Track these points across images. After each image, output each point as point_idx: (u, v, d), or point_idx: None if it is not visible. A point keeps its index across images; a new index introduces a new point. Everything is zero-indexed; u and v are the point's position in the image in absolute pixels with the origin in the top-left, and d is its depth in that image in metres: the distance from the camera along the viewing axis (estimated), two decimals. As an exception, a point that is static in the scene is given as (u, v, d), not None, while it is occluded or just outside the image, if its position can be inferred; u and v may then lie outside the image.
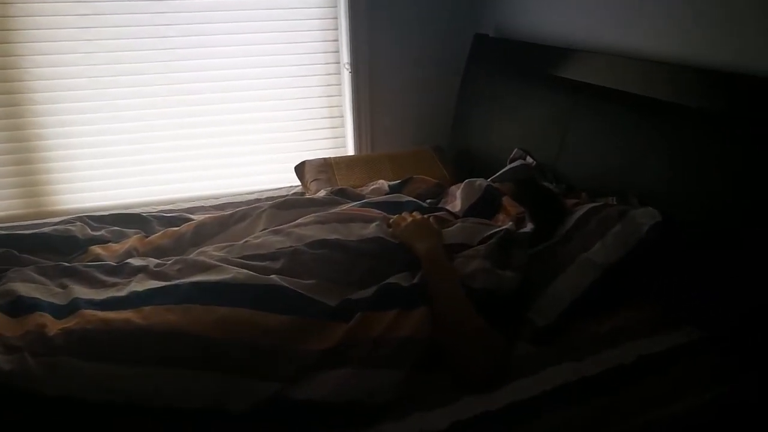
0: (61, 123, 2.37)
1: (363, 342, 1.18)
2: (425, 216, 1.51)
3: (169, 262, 1.37)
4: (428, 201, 1.80)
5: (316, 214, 1.51)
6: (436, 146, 2.51)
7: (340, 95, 2.69)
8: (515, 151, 2.13)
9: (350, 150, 2.75)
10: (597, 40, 1.95)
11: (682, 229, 1.49)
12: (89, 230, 1.73)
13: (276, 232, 1.46)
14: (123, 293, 1.23)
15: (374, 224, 1.45)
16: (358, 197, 1.87)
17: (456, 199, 1.69)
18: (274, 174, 2.67)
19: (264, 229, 1.60)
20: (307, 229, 1.44)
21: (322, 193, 1.86)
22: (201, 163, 2.62)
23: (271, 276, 1.26)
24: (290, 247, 1.38)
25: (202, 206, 2.29)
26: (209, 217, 1.73)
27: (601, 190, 1.78)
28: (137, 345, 1.09)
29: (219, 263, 1.31)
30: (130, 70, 2.38)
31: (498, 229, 1.45)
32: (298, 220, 1.52)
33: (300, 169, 2.39)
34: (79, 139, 2.42)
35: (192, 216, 1.91)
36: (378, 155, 2.43)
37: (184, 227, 1.69)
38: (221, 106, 2.55)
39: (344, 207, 1.61)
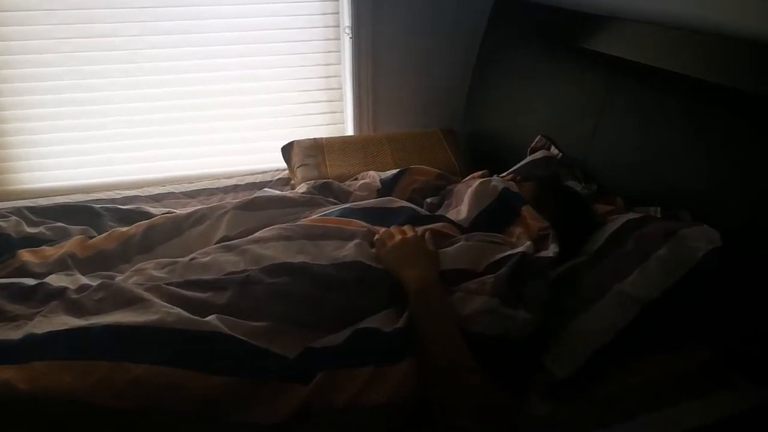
0: (19, 92, 2.08)
1: (324, 412, 0.90)
2: (419, 231, 1.20)
3: (93, 286, 1.08)
4: (428, 200, 1.49)
5: (281, 226, 1.21)
6: (447, 128, 2.18)
7: (339, 64, 2.35)
8: (537, 138, 1.80)
9: (349, 129, 2.43)
10: (643, 6, 1.58)
11: (746, 254, 1.17)
12: (26, 227, 1.46)
13: (229, 249, 1.17)
14: (17, 336, 0.95)
15: (353, 243, 1.14)
16: (344, 194, 1.56)
17: (463, 203, 1.38)
18: (262, 153, 2.37)
19: (221, 239, 1.32)
20: (268, 247, 1.14)
21: (302, 188, 1.56)
22: (178, 140, 2.31)
23: (209, 318, 0.98)
24: (243, 272, 1.09)
25: (172, 192, 2.00)
26: (163, 216, 1.44)
27: (642, 195, 1.45)
28: (16, 420, 0.82)
29: (148, 296, 1.02)
30: (100, 32, 2.06)
31: (511, 252, 1.14)
32: (259, 233, 1.22)
33: (287, 151, 2.08)
34: (39, 110, 2.13)
35: (153, 211, 1.62)
36: (377, 136, 2.11)
37: (133, 228, 1.41)
38: (203, 75, 2.23)
39: (318, 214, 1.30)
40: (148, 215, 1.58)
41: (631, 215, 1.32)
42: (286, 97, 2.34)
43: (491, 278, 1.07)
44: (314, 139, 2.09)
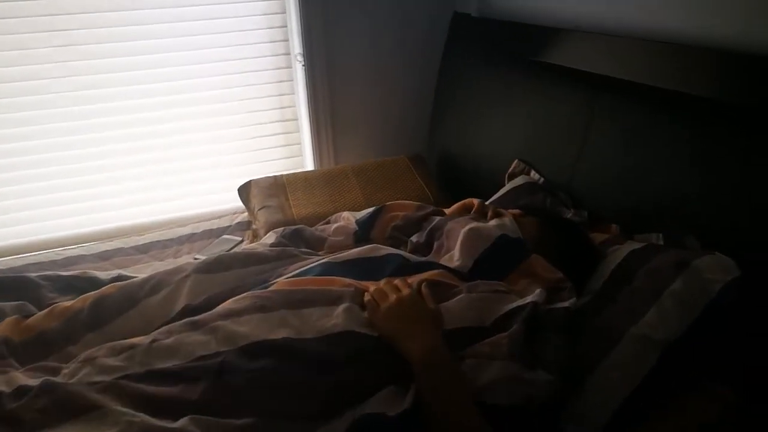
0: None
1: None
2: (414, 284, 1.05)
3: (34, 389, 0.89)
4: (413, 239, 1.34)
5: (255, 293, 1.04)
6: (414, 155, 2.06)
7: (293, 93, 2.20)
8: (515, 163, 1.70)
9: (309, 163, 2.27)
10: (618, 18, 1.51)
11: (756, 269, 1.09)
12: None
13: (196, 326, 1.00)
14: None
15: (341, 308, 0.99)
16: (318, 241, 1.41)
17: (456, 247, 1.22)
18: (218, 194, 2.19)
19: (183, 309, 1.14)
20: (242, 321, 0.98)
21: (269, 239, 1.39)
22: (124, 187, 2.10)
23: (182, 423, 0.81)
24: (216, 355, 0.93)
25: (122, 248, 1.80)
26: (114, 286, 1.25)
27: (636, 219, 1.36)
28: None
29: (103, 400, 0.84)
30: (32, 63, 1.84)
31: (521, 304, 1.01)
32: (230, 303, 1.05)
33: (245, 191, 1.92)
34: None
35: (101, 276, 1.42)
36: (341, 169, 1.97)
37: (79, 302, 1.22)
38: (147, 115, 2.03)
39: (294, 273, 1.14)
40: (96, 282, 1.38)
41: (634, 245, 1.22)
42: (239, 132, 2.17)
43: (505, 338, 0.94)
44: (274, 176, 1.94)
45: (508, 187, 1.65)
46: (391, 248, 1.21)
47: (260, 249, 1.29)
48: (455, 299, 1.04)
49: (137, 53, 1.93)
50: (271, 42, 2.10)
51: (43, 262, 1.73)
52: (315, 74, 2.11)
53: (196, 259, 1.74)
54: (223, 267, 1.22)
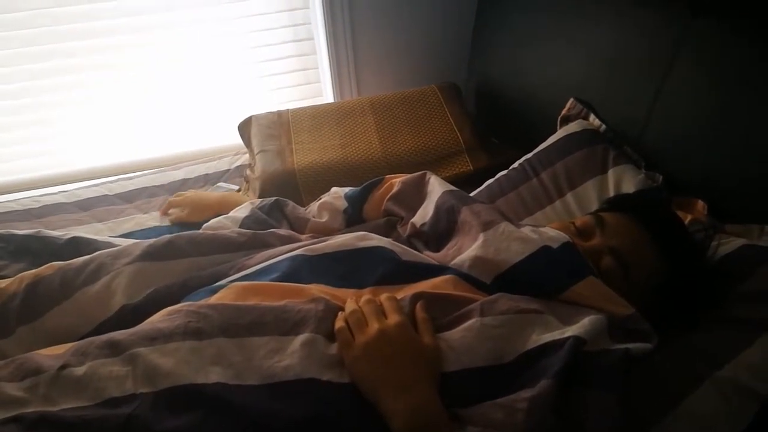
0: None
1: None
2: (406, 302, 0.76)
3: None
4: (415, 221, 1.01)
5: (190, 308, 0.77)
6: (447, 84, 1.68)
7: (309, 24, 1.83)
8: (570, 103, 1.32)
9: (329, 97, 1.94)
10: None
11: None
12: None
13: (116, 350, 0.74)
14: None
15: (300, 339, 0.71)
16: (299, 222, 1.11)
17: (471, 248, 0.86)
18: (219, 132, 1.91)
19: (122, 309, 0.90)
20: (168, 349, 0.71)
21: (243, 211, 1.10)
22: (117, 121, 1.84)
23: None
24: (129, 399, 0.68)
25: (106, 195, 1.58)
26: (52, 266, 1.01)
27: (733, 197, 1.00)
28: None
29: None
30: None
31: (559, 338, 0.71)
32: (159, 318, 0.79)
33: (245, 129, 1.63)
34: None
35: (57, 236, 1.19)
36: (357, 103, 1.63)
37: (15, 283, 1.00)
38: (145, 36, 1.72)
39: (255, 267, 0.87)
40: (51, 244, 1.17)
41: (733, 243, 0.87)
42: (252, 54, 1.84)
43: (525, 401, 0.65)
44: (277, 112, 1.62)
45: (560, 133, 1.29)
46: (381, 238, 0.90)
47: (225, 232, 1.00)
48: (463, 327, 0.74)
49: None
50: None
51: (18, 211, 1.53)
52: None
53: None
54: (175, 253, 0.96)
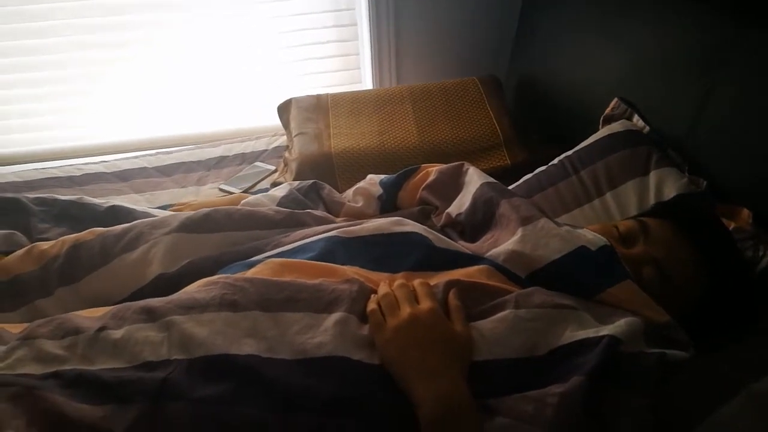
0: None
1: None
2: (439, 289, 0.76)
3: None
4: (450, 212, 1.02)
5: (228, 280, 0.78)
6: (488, 77, 1.67)
7: (353, 9, 1.84)
8: (614, 102, 1.30)
9: (368, 83, 1.94)
10: None
11: None
12: None
13: (152, 316, 0.76)
14: None
15: (334, 318, 0.72)
16: (335, 206, 1.12)
17: (513, 234, 0.86)
18: (259, 112, 1.93)
19: (158, 278, 0.92)
20: (203, 319, 0.73)
21: (281, 191, 1.12)
22: (159, 97, 1.88)
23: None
24: (163, 364, 0.70)
25: (145, 167, 1.61)
26: (93, 231, 1.04)
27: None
28: None
29: (6, 420, 0.64)
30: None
31: (593, 335, 0.70)
32: (196, 288, 0.81)
33: (284, 111, 1.65)
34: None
35: (98, 204, 1.22)
36: (397, 91, 1.63)
37: (57, 246, 1.03)
38: (186, 15, 1.75)
39: (291, 245, 0.88)
40: (92, 211, 1.20)
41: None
42: (293, 38, 1.86)
43: (556, 396, 0.64)
44: (317, 96, 1.63)
45: (603, 132, 1.27)
46: (415, 224, 0.89)
47: (263, 209, 1.02)
48: (496, 317, 0.73)
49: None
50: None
51: (61, 177, 1.58)
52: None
53: (221, 189, 1.52)
54: (212, 226, 0.97)
